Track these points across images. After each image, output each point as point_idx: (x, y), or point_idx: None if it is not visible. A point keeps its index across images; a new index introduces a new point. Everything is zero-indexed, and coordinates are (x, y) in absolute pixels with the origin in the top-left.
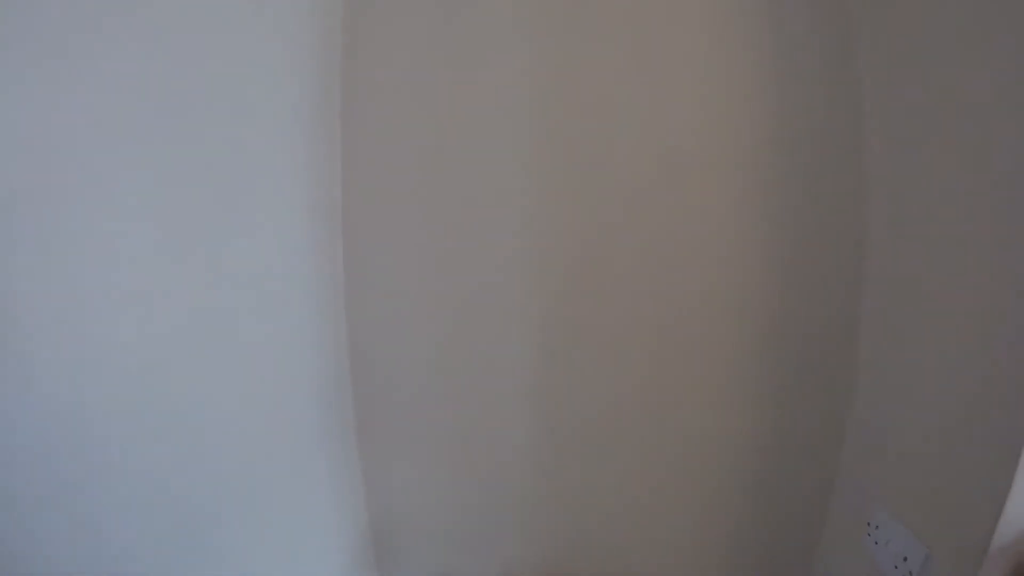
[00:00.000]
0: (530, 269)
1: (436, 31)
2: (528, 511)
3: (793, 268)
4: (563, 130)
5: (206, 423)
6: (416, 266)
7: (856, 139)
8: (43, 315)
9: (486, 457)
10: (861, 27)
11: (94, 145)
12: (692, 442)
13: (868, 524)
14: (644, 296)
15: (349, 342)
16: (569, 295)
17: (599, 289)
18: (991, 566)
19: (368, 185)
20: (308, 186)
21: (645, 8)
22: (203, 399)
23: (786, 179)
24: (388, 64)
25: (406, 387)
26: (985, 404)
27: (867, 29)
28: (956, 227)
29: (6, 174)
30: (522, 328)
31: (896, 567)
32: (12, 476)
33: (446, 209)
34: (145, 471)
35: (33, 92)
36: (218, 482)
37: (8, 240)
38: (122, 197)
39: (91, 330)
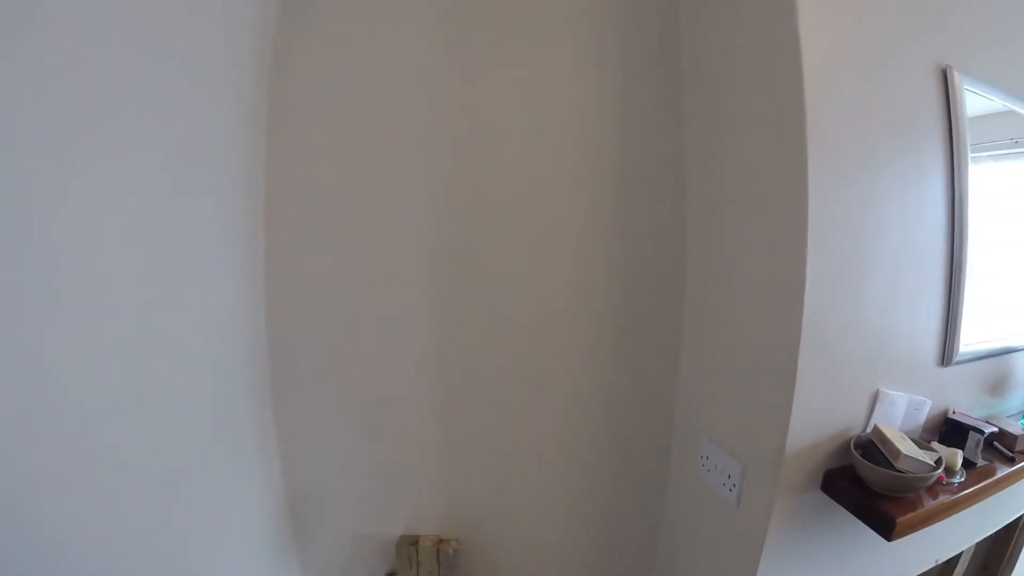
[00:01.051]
0: (426, 259)
1: (355, 72)
2: (428, 468)
3: (631, 257)
4: (456, 150)
5: (138, 408)
6: (327, 259)
7: (678, 170)
8: None
9: (391, 424)
10: (687, 96)
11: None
12: (558, 399)
13: (701, 456)
14: (518, 282)
15: (266, 323)
16: (459, 281)
17: (483, 276)
18: (788, 469)
19: (287, 188)
20: (236, 189)
21: (523, 65)
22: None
23: (624, 195)
24: (310, 82)
25: (318, 366)
26: (768, 352)
27: (691, 98)
28: (740, 233)
29: None
30: (420, 310)
31: (724, 484)
32: None
33: (354, 207)
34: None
35: None
36: (153, 461)
37: None
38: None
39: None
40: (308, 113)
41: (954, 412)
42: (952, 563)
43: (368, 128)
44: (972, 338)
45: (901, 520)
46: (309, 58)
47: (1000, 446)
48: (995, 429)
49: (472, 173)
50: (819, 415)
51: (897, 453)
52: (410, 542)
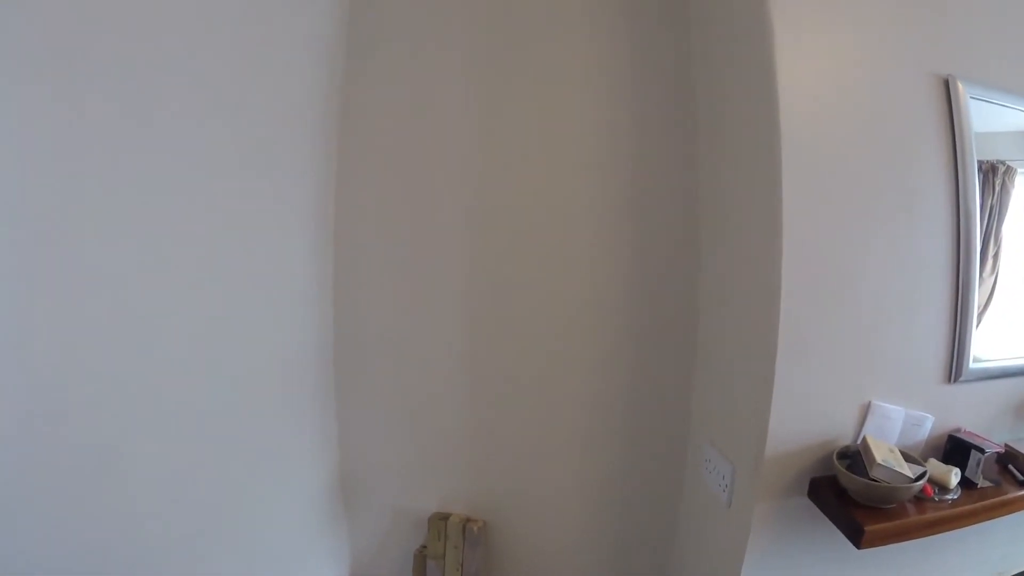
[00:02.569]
0: (464, 272)
1: (405, 112)
2: (462, 455)
3: (646, 272)
4: (485, 176)
5: (224, 382)
6: (386, 269)
7: (690, 199)
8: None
9: (432, 415)
10: (699, 131)
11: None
12: (579, 403)
13: (705, 460)
14: (543, 298)
15: (335, 324)
16: (492, 293)
17: (512, 289)
18: (769, 472)
19: (356, 203)
20: (309, 201)
21: (547, 106)
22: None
23: (638, 213)
24: (371, 123)
25: (373, 362)
26: (751, 358)
27: (704, 135)
28: (736, 248)
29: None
30: (459, 317)
31: (719, 484)
32: None
33: (410, 225)
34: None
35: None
36: (228, 426)
37: None
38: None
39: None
40: (368, 149)
41: (960, 431)
42: None
43: (415, 160)
44: (997, 354)
45: (870, 528)
46: (370, 101)
47: (1014, 469)
48: (1000, 449)
49: (500, 196)
50: (801, 422)
51: (872, 462)
52: (441, 518)
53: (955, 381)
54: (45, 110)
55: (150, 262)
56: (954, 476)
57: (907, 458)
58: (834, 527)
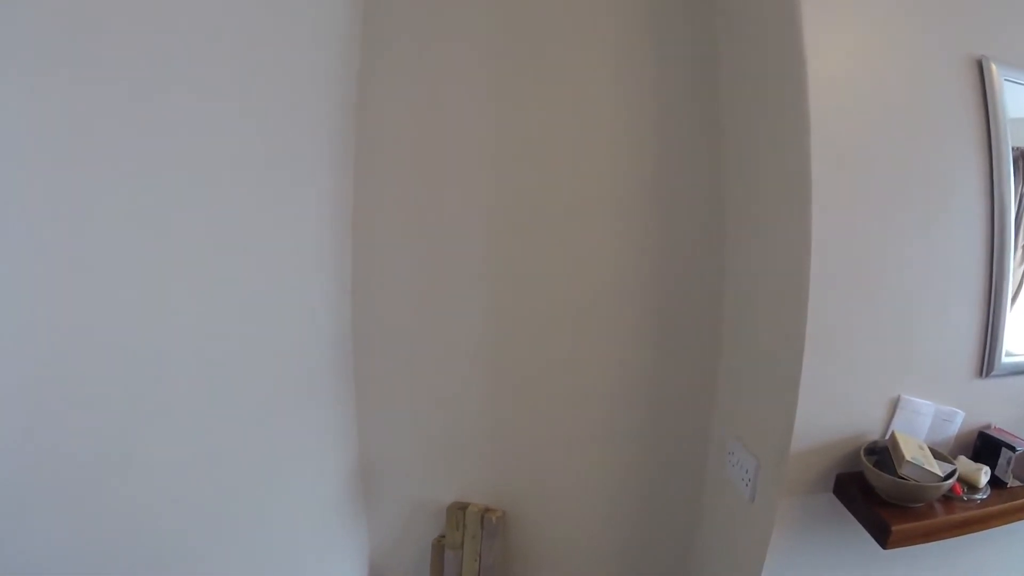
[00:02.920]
0: (483, 266)
1: (427, 105)
2: (481, 447)
3: (670, 266)
4: (509, 169)
5: (242, 379)
6: (404, 263)
7: (715, 191)
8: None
9: (451, 406)
10: (725, 122)
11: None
12: (599, 398)
13: (728, 454)
14: (562, 292)
15: (353, 319)
16: (513, 289)
17: (532, 287)
18: (794, 468)
19: (374, 198)
20: (327, 197)
21: (566, 99)
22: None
23: (661, 207)
24: (390, 114)
25: (393, 353)
26: (778, 353)
27: (728, 126)
28: (763, 241)
29: None
30: (478, 310)
31: (742, 478)
32: None
33: (428, 220)
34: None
35: None
36: (252, 419)
37: None
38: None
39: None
40: (386, 144)
41: (990, 427)
42: None
43: (433, 155)
44: None
45: (897, 528)
46: (387, 95)
47: None
48: None
49: (519, 191)
50: (828, 417)
51: (901, 459)
52: (459, 507)
53: (987, 375)
54: (48, 109)
55: (163, 263)
56: (984, 475)
57: (936, 455)
58: (859, 525)
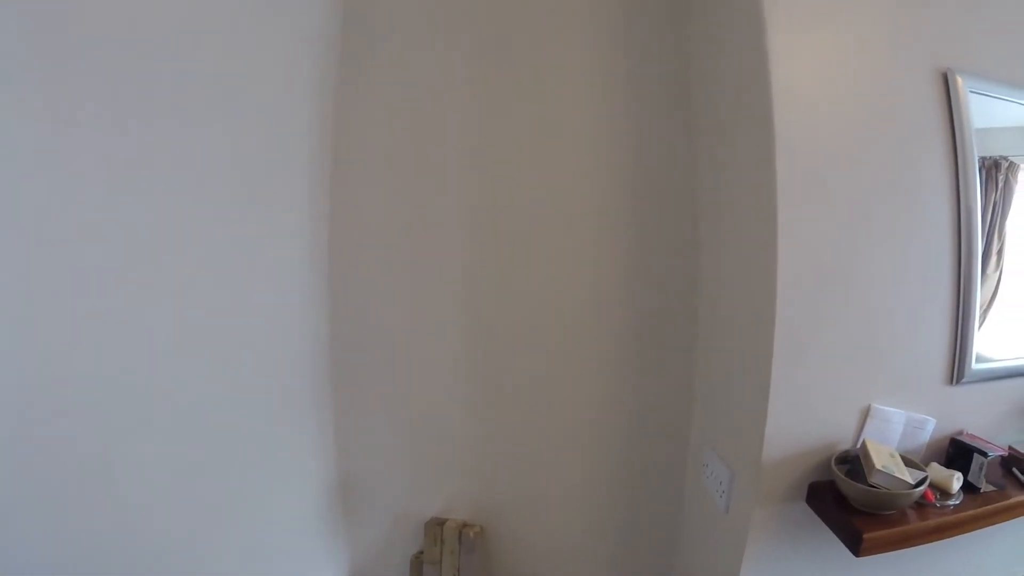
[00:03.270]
0: (462, 275)
1: (406, 109)
2: (461, 461)
3: (646, 275)
4: (485, 178)
5: (222, 384)
6: (384, 269)
7: (689, 199)
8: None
9: (431, 419)
10: (698, 131)
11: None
12: (579, 408)
13: (703, 465)
14: (542, 301)
15: (331, 326)
16: (490, 295)
17: (512, 296)
18: (767, 478)
19: (353, 202)
20: (305, 200)
21: (546, 104)
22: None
23: (637, 215)
24: (369, 116)
25: (370, 366)
26: (749, 362)
27: (701, 137)
28: (733, 249)
29: None
30: (457, 320)
31: (716, 490)
32: None
33: (408, 228)
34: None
35: None
36: (231, 431)
37: None
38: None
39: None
40: (366, 148)
41: (962, 433)
42: None
43: (413, 159)
44: (1002, 354)
45: (869, 536)
46: (367, 98)
47: (1019, 472)
48: (1003, 452)
49: (499, 196)
50: (800, 426)
51: (871, 468)
52: (437, 523)
53: (957, 383)
54: (43, 112)
55: (145, 263)
56: (956, 481)
57: (908, 462)
58: (833, 534)
